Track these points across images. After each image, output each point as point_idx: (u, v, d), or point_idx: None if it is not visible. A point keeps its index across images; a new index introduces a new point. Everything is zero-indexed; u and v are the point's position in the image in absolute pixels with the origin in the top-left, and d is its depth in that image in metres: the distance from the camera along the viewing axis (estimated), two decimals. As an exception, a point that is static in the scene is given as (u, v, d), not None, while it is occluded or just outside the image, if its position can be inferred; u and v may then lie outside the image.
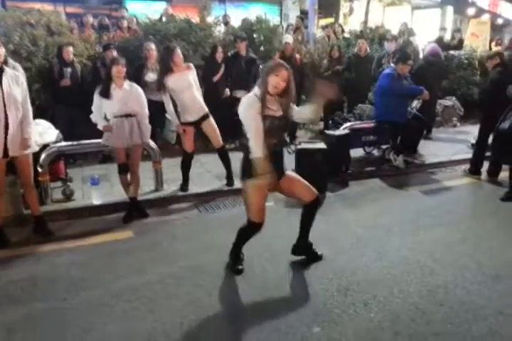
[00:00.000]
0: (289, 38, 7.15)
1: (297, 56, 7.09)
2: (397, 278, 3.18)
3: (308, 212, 3.27)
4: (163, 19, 7.66)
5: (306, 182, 3.20)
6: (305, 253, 3.42)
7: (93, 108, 4.11)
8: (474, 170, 5.52)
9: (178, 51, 4.53)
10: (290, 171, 3.26)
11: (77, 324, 2.70)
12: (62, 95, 5.71)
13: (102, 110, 4.08)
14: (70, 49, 5.78)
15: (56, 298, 2.97)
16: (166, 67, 4.52)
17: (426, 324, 2.68)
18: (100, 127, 4.12)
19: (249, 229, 3.20)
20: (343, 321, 2.69)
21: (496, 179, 5.32)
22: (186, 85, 4.52)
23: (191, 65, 4.71)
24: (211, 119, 4.74)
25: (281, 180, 3.12)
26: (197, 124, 4.71)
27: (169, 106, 4.60)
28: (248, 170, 2.96)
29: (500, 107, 4.85)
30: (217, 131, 4.80)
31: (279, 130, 3.02)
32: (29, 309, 2.86)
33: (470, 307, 2.84)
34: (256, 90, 2.96)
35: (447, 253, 3.58)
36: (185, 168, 4.86)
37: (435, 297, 2.96)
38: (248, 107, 2.91)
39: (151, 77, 5.80)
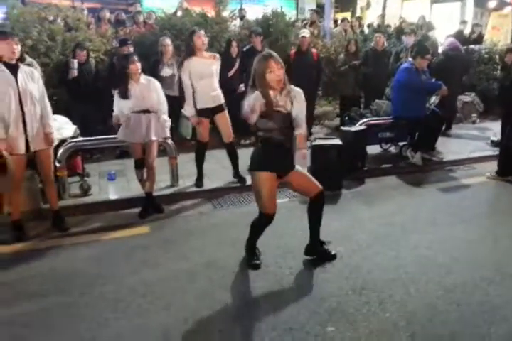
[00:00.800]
0: (305, 32, 7.07)
1: (313, 51, 7.02)
2: (413, 277, 3.14)
3: (314, 208, 3.24)
4: (179, 13, 7.66)
5: (311, 178, 3.19)
6: (317, 252, 3.38)
7: (115, 109, 4.13)
8: (501, 172, 5.18)
9: (200, 33, 4.48)
10: (299, 167, 3.22)
11: (92, 319, 2.73)
12: (76, 90, 5.67)
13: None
14: (84, 53, 5.73)
15: (72, 293, 3.00)
16: (188, 50, 4.54)
17: (442, 324, 2.64)
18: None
19: (261, 221, 3.19)
20: (357, 321, 2.66)
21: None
22: (207, 73, 4.50)
23: (218, 55, 4.69)
24: (226, 112, 4.72)
25: (289, 175, 3.11)
26: (212, 114, 4.69)
27: (188, 90, 4.56)
28: (255, 161, 3.05)
29: None
30: (230, 126, 4.78)
31: (288, 127, 2.99)
32: (46, 303, 2.90)
33: (488, 308, 2.79)
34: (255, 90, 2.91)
35: (465, 252, 3.52)
36: (199, 160, 4.84)
37: (452, 297, 2.91)
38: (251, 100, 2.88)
39: (167, 72, 5.82)
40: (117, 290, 3.02)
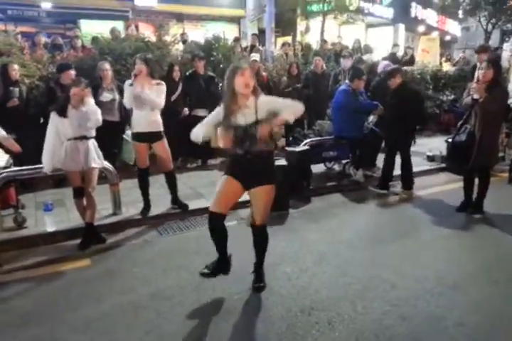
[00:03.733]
0: (256, 56, 7.28)
1: (264, 74, 7.20)
2: (360, 294, 3.18)
3: (254, 240, 3.23)
4: (118, 37, 7.59)
5: (265, 207, 3.10)
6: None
7: (46, 143, 3.98)
8: (383, 185, 5.64)
9: (137, 61, 4.40)
10: (265, 187, 3.06)
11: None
12: (7, 117, 5.21)
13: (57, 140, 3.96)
14: (15, 66, 5.50)
15: (5, 335, 2.77)
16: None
17: (389, 339, 2.67)
18: (47, 170, 4.02)
19: (209, 221, 3.10)
20: (307, 342, 2.64)
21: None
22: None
23: (163, 83, 4.61)
24: (164, 140, 4.59)
25: (252, 190, 3.07)
26: (149, 141, 4.55)
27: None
28: (226, 166, 3.17)
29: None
30: (169, 154, 4.64)
31: (247, 139, 2.91)
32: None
33: (431, 319, 2.87)
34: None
35: (407, 265, 3.63)
36: (143, 186, 4.69)
37: (398, 311, 2.97)
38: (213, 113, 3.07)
39: (106, 96, 5.69)
40: (54, 329, 2.82)
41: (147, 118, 4.45)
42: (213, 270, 3.17)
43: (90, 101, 4.10)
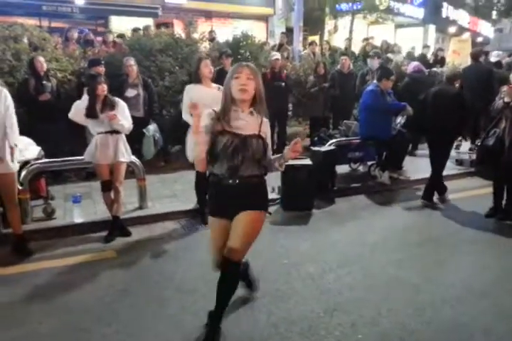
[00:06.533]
0: (278, 55, 7.24)
1: (284, 72, 7.16)
2: (384, 297, 3.14)
3: (220, 279, 2.58)
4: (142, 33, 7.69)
5: (242, 235, 2.48)
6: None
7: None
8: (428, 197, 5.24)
9: (207, 61, 4.38)
10: (253, 212, 2.50)
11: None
12: (40, 111, 5.47)
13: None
14: (41, 59, 5.59)
15: (32, 322, 2.85)
16: (195, 78, 4.39)
17: (414, 344, 2.64)
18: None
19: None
20: (329, 343, 2.63)
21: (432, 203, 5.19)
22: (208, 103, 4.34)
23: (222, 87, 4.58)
24: None
25: (235, 217, 2.50)
26: None
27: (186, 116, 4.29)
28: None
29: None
30: None
31: (245, 154, 2.41)
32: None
33: (456, 325, 2.81)
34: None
35: (433, 270, 3.57)
36: (199, 190, 4.51)
37: (423, 315, 2.92)
38: (203, 116, 2.50)
39: (131, 92, 5.76)
40: (81, 319, 2.88)
41: None
42: None
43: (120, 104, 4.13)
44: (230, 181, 2.44)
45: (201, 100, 4.06)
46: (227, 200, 2.50)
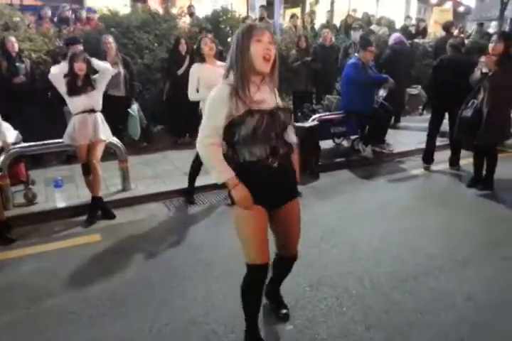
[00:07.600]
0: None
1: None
2: (368, 270, 3.19)
3: (280, 268, 2.58)
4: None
5: (298, 230, 2.46)
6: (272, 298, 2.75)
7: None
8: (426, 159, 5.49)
9: (206, 40, 4.33)
10: (297, 201, 2.35)
11: (40, 334, 2.58)
12: (15, 94, 5.29)
13: None
14: (12, 39, 5.40)
15: (18, 308, 2.84)
16: (199, 57, 4.33)
17: (398, 315, 2.69)
18: None
19: (252, 280, 2.29)
20: (316, 317, 2.68)
21: (458, 168, 5.41)
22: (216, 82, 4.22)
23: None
24: None
25: (280, 209, 2.27)
26: None
27: (194, 96, 4.28)
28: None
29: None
30: None
31: (276, 131, 2.07)
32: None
33: (440, 295, 2.88)
34: (230, 78, 2.04)
35: (417, 241, 3.63)
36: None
37: (406, 286, 2.98)
38: (213, 102, 2.02)
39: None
40: (68, 303, 2.88)
41: None
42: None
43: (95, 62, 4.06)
44: (274, 164, 2.11)
45: (209, 81, 4.04)
46: (273, 187, 2.17)
